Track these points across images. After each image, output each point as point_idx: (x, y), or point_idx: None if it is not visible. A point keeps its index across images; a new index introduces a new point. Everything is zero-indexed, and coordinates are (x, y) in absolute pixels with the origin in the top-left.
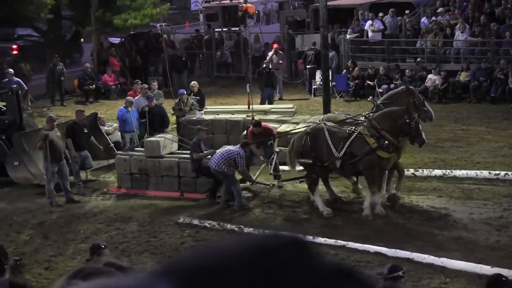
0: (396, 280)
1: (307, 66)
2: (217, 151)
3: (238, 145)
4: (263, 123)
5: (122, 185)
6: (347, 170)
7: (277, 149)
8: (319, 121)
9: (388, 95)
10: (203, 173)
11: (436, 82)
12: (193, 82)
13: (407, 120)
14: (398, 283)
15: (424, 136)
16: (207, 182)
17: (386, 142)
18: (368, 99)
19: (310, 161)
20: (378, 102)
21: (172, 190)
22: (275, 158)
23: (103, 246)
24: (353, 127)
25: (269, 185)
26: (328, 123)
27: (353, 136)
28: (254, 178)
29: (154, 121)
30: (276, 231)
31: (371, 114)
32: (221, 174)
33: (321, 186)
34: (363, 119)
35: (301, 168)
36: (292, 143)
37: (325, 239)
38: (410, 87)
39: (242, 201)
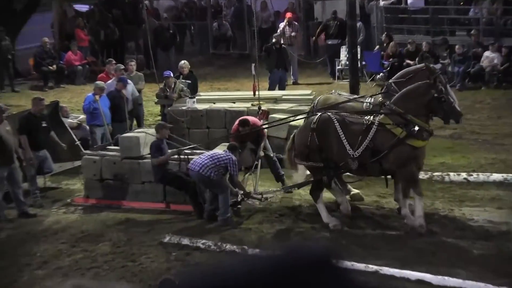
0: None
1: (329, 42)
2: (207, 152)
3: (226, 150)
4: (252, 120)
5: (90, 194)
6: (372, 169)
7: (262, 153)
8: (314, 106)
9: (402, 73)
10: (169, 183)
11: (495, 62)
12: (182, 61)
13: (435, 95)
14: None
15: (459, 108)
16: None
17: (417, 127)
18: (378, 76)
19: (321, 165)
20: (390, 81)
21: (156, 201)
22: (258, 165)
23: None
24: (370, 117)
25: (260, 199)
26: (338, 112)
27: (373, 129)
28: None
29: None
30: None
31: (382, 99)
32: (206, 180)
33: (326, 193)
34: (369, 100)
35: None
36: (292, 140)
37: (353, 263)
38: (431, 65)
39: (227, 215)
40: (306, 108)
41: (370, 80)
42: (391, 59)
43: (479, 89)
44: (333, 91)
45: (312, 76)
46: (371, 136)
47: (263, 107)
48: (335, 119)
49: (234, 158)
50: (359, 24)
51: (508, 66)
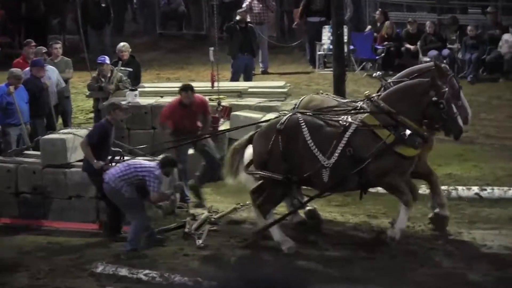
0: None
1: (308, 19)
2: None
3: (156, 163)
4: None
5: (3, 212)
6: (348, 183)
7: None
8: (294, 107)
9: (406, 71)
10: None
11: None
12: (121, 44)
13: (434, 98)
14: None
15: (461, 122)
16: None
17: (408, 131)
18: (376, 74)
19: (280, 177)
20: (390, 80)
21: (86, 221)
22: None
23: None
24: (349, 116)
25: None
26: (309, 112)
27: (351, 130)
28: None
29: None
30: None
31: (370, 95)
32: (117, 196)
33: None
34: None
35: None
36: (244, 144)
37: None
38: (443, 64)
39: (131, 247)
40: (279, 104)
41: (360, 69)
42: (386, 43)
43: (496, 81)
44: (321, 92)
45: (286, 64)
46: (346, 138)
47: (223, 103)
48: (302, 121)
49: (158, 172)
50: None
51: None
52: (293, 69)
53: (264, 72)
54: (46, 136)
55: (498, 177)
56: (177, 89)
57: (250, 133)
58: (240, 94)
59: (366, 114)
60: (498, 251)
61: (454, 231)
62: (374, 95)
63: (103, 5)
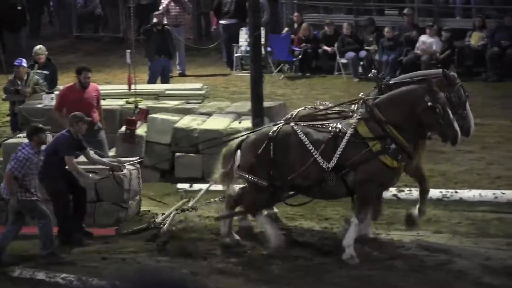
0: None
1: (222, 22)
2: None
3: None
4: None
5: None
6: (337, 190)
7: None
8: (288, 118)
9: (409, 74)
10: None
11: (434, 48)
12: (38, 46)
13: (430, 103)
14: None
15: (457, 127)
16: (115, 210)
17: (394, 145)
18: (370, 73)
19: (265, 183)
20: (391, 82)
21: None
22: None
23: None
24: (337, 123)
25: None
26: (301, 123)
27: (341, 137)
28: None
29: None
30: None
31: (365, 97)
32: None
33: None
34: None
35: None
36: (231, 151)
37: None
38: (451, 73)
39: (47, 251)
40: (196, 106)
41: (278, 71)
42: (303, 45)
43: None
44: (318, 102)
45: (203, 66)
46: (343, 147)
47: (141, 105)
48: (300, 131)
49: (27, 149)
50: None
51: (450, 54)
52: (211, 71)
53: (182, 75)
54: (9, 140)
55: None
56: None
57: (239, 139)
58: (158, 96)
59: (359, 121)
60: (416, 252)
61: (372, 232)
62: (369, 97)
63: (19, 7)
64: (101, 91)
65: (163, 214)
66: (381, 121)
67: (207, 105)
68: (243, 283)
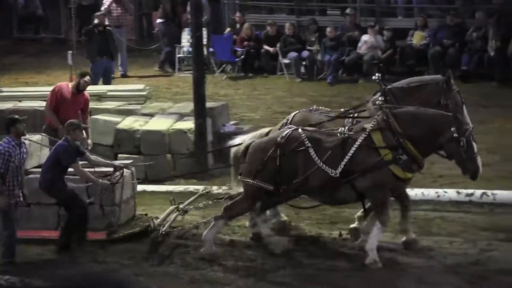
0: None
1: (159, 20)
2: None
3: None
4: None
5: None
6: (346, 196)
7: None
8: (289, 122)
9: (414, 79)
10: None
11: (375, 47)
12: None
13: (455, 135)
14: None
15: (479, 163)
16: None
17: (405, 156)
18: (374, 77)
19: (271, 187)
20: (394, 85)
21: (47, 228)
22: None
23: None
24: (347, 128)
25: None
26: (308, 128)
27: (350, 143)
28: None
29: None
30: None
31: (383, 104)
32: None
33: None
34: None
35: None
36: (241, 154)
37: None
38: (453, 81)
39: (5, 260)
40: (138, 107)
41: (220, 72)
42: (246, 43)
43: (355, 82)
44: (314, 107)
45: (145, 67)
46: (351, 153)
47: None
48: (305, 137)
49: (6, 143)
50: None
51: (392, 53)
52: (153, 72)
53: (124, 76)
54: None
55: None
56: (36, 93)
57: (247, 142)
58: (99, 97)
59: (374, 129)
60: (359, 251)
61: (315, 232)
62: (387, 106)
63: None
64: (42, 93)
65: (157, 218)
66: (397, 132)
67: (150, 106)
68: (186, 284)
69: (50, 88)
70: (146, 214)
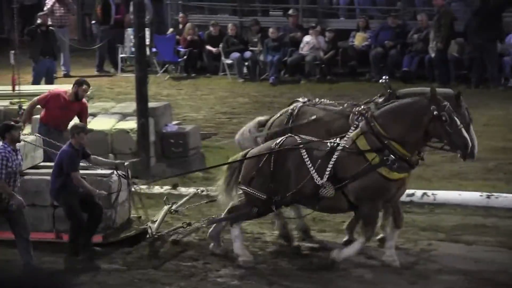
0: None
1: (93, 22)
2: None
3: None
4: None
5: None
6: (338, 203)
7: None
8: (294, 109)
9: (425, 89)
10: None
11: (317, 48)
12: None
13: (435, 113)
14: None
15: (466, 134)
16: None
17: (392, 157)
18: (382, 80)
19: (264, 197)
20: (401, 91)
21: (42, 230)
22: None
23: None
24: (337, 138)
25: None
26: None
27: (338, 153)
28: None
29: None
30: None
31: (371, 109)
32: None
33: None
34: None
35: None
36: (239, 160)
37: None
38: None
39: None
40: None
41: (163, 72)
42: (189, 41)
43: (297, 82)
44: (317, 99)
45: (88, 67)
46: (334, 160)
47: (25, 106)
48: (300, 142)
49: (2, 150)
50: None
51: (334, 54)
52: (96, 72)
53: (66, 75)
54: None
55: None
56: None
57: (245, 151)
58: None
59: (357, 135)
60: (301, 251)
61: (256, 231)
62: (369, 111)
63: None
64: None
65: (153, 222)
66: (380, 134)
67: (92, 105)
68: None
69: None
70: (140, 217)
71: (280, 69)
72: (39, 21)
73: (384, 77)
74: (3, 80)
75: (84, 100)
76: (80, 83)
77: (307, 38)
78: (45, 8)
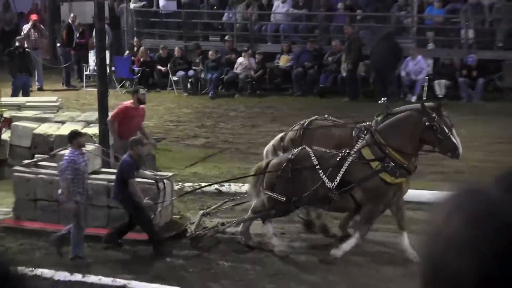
0: None
1: (58, 45)
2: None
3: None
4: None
5: (22, 215)
6: (345, 202)
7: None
8: (302, 126)
9: (408, 106)
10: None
11: (249, 68)
12: None
13: (427, 123)
14: None
15: (454, 139)
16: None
17: (392, 164)
18: (380, 101)
19: (283, 199)
20: (395, 109)
21: (99, 226)
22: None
23: None
24: (347, 149)
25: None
26: (314, 148)
27: (347, 162)
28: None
29: None
30: None
31: (372, 125)
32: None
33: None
34: (359, 126)
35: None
36: (262, 167)
37: (100, 277)
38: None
39: (74, 254)
40: (52, 115)
41: (120, 87)
42: (142, 65)
43: (232, 96)
44: (326, 116)
45: (58, 82)
46: (344, 168)
47: (5, 115)
48: (312, 153)
49: (72, 156)
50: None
51: (262, 73)
52: (64, 86)
53: (40, 89)
54: (62, 151)
55: (234, 175)
56: None
57: (268, 159)
58: (19, 107)
59: (363, 146)
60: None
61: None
62: (372, 127)
63: None
64: None
65: (191, 223)
66: (381, 144)
67: (61, 114)
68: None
69: None
70: (180, 218)
71: (218, 85)
72: (17, 43)
73: (383, 98)
74: None
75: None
76: (136, 90)
77: (240, 60)
78: (22, 33)
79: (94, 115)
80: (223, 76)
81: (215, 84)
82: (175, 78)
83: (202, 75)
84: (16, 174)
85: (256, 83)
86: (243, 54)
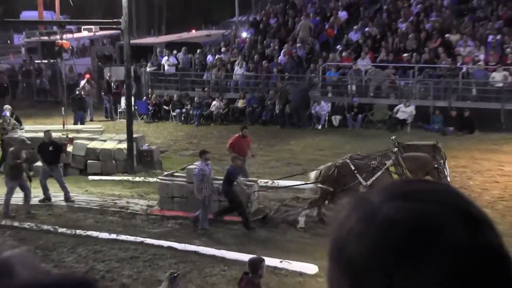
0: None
1: (103, 93)
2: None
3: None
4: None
5: (163, 206)
6: None
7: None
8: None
9: (417, 143)
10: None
11: (219, 108)
12: (5, 106)
13: (435, 165)
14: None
15: (448, 179)
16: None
17: (404, 177)
18: (391, 139)
19: (331, 189)
20: (409, 143)
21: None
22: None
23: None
24: (378, 162)
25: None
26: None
27: (380, 171)
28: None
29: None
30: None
31: (397, 151)
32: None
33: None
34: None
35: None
36: (317, 173)
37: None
38: (438, 144)
39: (203, 224)
40: (98, 136)
41: (140, 119)
42: (154, 106)
43: (209, 125)
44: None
45: (101, 116)
46: (376, 175)
47: (69, 135)
48: (351, 164)
49: (196, 170)
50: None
51: (227, 111)
52: (106, 118)
53: (91, 120)
54: (190, 166)
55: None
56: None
57: (321, 167)
58: (78, 131)
59: (391, 164)
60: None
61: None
62: (398, 153)
63: (5, 85)
64: (40, 128)
65: (271, 210)
66: (402, 166)
67: (104, 136)
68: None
69: (53, 126)
70: (263, 206)
71: (200, 118)
72: (77, 92)
73: (392, 137)
74: (58, 123)
75: (249, 137)
76: (241, 128)
77: (214, 102)
78: (80, 86)
79: (124, 136)
80: (203, 112)
81: (198, 117)
82: (174, 113)
83: (191, 112)
84: (160, 181)
85: (224, 117)
86: (216, 99)
